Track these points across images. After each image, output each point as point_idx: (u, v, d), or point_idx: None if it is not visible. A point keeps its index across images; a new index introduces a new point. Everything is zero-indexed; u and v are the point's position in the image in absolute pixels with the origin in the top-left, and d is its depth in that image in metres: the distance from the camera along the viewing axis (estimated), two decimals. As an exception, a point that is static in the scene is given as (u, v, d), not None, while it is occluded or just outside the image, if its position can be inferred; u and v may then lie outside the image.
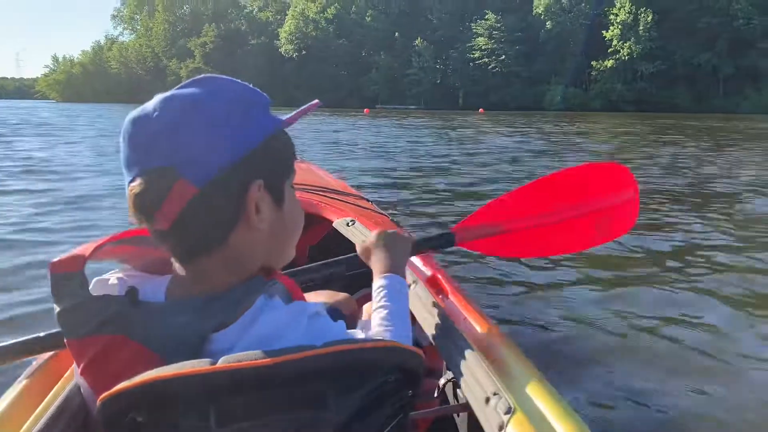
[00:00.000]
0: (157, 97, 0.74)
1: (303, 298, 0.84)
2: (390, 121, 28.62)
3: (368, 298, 1.32)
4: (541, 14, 62.53)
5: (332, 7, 73.23)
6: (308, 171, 3.20)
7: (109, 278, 0.82)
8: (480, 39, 64.98)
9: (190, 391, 0.63)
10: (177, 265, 0.78)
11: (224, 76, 0.78)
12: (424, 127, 22.72)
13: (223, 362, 0.63)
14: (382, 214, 2.46)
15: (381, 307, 1.09)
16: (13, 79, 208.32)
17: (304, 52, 71.56)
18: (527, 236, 1.39)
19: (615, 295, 3.16)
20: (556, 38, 62.10)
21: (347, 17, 73.09)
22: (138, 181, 0.71)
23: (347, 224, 2.07)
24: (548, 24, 62.04)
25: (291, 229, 0.84)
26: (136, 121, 0.72)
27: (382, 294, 1.12)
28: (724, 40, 55.42)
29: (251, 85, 0.80)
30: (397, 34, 70.90)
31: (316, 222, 2.28)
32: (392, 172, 8.91)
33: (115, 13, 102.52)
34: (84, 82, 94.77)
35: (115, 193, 6.17)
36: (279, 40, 74.69)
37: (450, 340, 1.15)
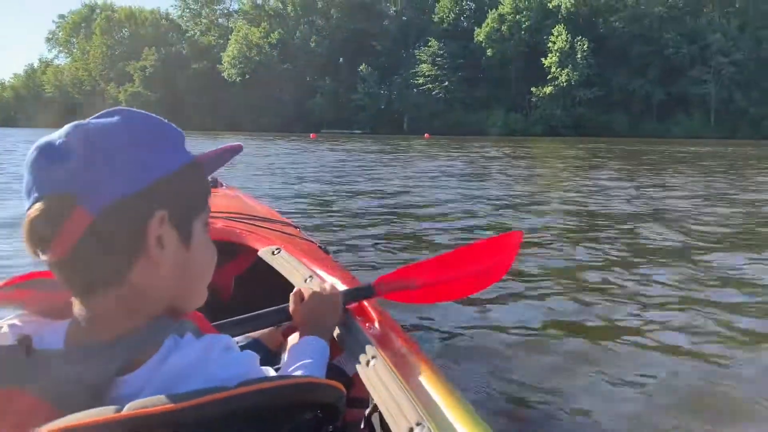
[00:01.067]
0: (67, 126, 0.72)
1: (214, 331, 0.82)
2: (334, 145, 28.76)
3: (293, 330, 1.40)
4: (482, 41, 63.89)
5: (276, 32, 72.96)
6: (234, 198, 3.11)
7: (2, 326, 0.77)
8: (423, 65, 65.88)
9: None
10: (77, 307, 0.74)
11: (141, 111, 0.77)
12: (368, 152, 22.86)
13: (128, 409, 0.60)
14: (308, 240, 2.42)
15: (298, 359, 1.13)
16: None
17: (248, 77, 70.82)
18: (431, 289, 1.54)
19: (539, 317, 3.36)
20: (496, 65, 63.59)
21: (291, 42, 72.93)
22: (35, 207, 0.68)
23: (273, 252, 2.03)
24: (489, 51, 63.43)
25: (200, 270, 0.81)
26: (40, 148, 0.71)
27: (294, 354, 1.15)
28: (655, 68, 57.97)
29: (167, 121, 0.78)
30: (341, 59, 71.18)
31: (240, 251, 2.11)
32: (329, 197, 8.92)
33: (50, 36, 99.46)
34: (16, 105, 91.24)
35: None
36: (222, 64, 73.77)
37: (373, 368, 1.15)
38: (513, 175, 13.37)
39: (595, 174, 13.36)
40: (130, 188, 0.70)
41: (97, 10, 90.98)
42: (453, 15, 67.34)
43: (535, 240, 5.51)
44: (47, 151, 0.70)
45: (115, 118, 0.73)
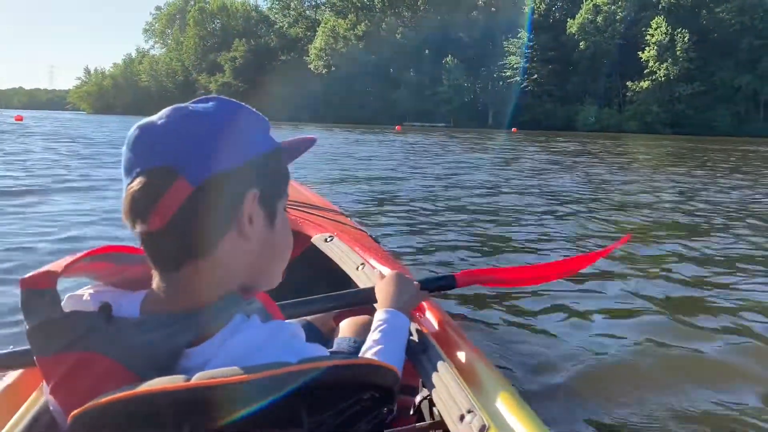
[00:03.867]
0: (168, 108, 0.77)
1: (281, 317, 0.85)
2: (417, 138, 28.24)
3: (345, 315, 1.52)
4: (574, 33, 61.50)
5: (362, 24, 73.07)
6: (289, 186, 2.82)
7: (83, 294, 0.81)
8: (512, 57, 64.17)
9: (163, 408, 0.62)
10: (155, 279, 0.77)
11: (233, 99, 0.81)
12: (451, 146, 22.09)
13: (196, 379, 0.62)
14: (360, 229, 2.46)
15: (375, 341, 1.17)
16: (45, 90, 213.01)
17: (333, 68, 71.37)
18: (514, 283, 1.66)
19: (597, 321, 3.15)
20: (589, 58, 60.98)
21: (377, 34, 72.85)
22: (137, 181, 0.72)
23: (326, 240, 2.11)
24: (582, 43, 60.99)
25: (280, 250, 0.85)
26: (141, 127, 0.75)
27: (381, 327, 1.20)
28: (766, 63, 53.83)
29: (255, 110, 0.83)
30: (427, 51, 70.42)
31: (294, 238, 1.83)
32: (396, 190, 8.62)
33: (147, 27, 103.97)
34: (114, 94, 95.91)
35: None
36: (309, 56, 74.63)
37: (426, 356, 1.18)
38: (608, 173, 12.27)
39: (699, 175, 12.11)
40: (228, 164, 0.73)
41: (191, 2, 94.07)
42: (544, 6, 65.10)
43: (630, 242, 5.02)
44: (149, 129, 0.74)
45: (211, 103, 0.78)
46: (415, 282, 1.42)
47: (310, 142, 0.88)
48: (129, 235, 0.76)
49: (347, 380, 0.69)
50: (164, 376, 0.64)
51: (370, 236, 2.38)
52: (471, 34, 69.30)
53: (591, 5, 60.93)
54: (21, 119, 37.87)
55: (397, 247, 4.67)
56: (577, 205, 7.44)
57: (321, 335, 1.35)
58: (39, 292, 0.74)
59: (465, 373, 1.10)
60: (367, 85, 70.48)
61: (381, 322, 1.21)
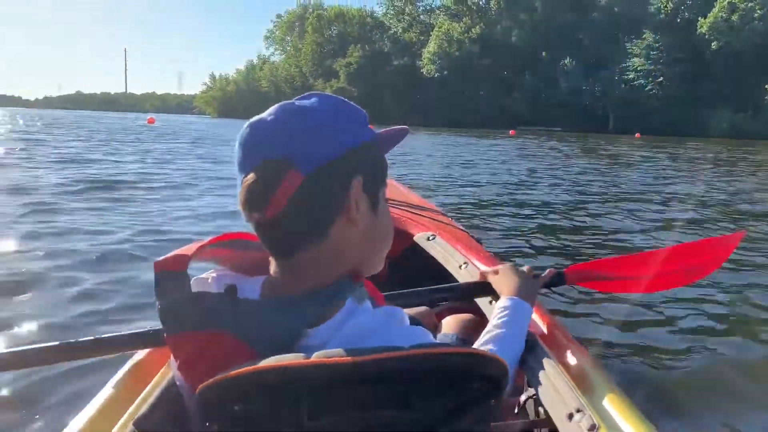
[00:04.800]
0: (274, 105, 0.83)
1: (383, 299, 0.89)
2: (533, 143, 27.53)
3: (449, 312, 1.55)
4: (705, 33, 57.37)
5: (477, 27, 72.28)
6: (390, 186, 3.17)
7: (207, 277, 0.88)
8: (636, 59, 60.97)
9: (285, 384, 0.65)
10: (272, 265, 0.83)
11: (331, 94, 0.86)
12: (568, 151, 21.24)
13: (316, 356, 0.65)
14: (461, 229, 2.43)
15: (497, 326, 1.18)
16: (174, 95, 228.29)
17: (446, 72, 71.07)
18: (627, 282, 1.54)
19: (711, 330, 3.02)
20: (722, 59, 56.61)
21: (492, 37, 71.79)
22: (252, 175, 0.77)
23: (428, 239, 2.13)
24: (714, 44, 56.77)
25: (383, 236, 0.88)
26: (252, 126, 0.80)
27: (504, 314, 1.21)
28: None
29: (353, 103, 0.86)
30: (544, 53, 68.49)
31: (396, 235, 1.76)
32: (508, 193, 8.44)
33: (268, 35, 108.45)
34: (237, 99, 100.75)
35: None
36: (421, 60, 74.80)
37: (532, 354, 1.18)
38: (746, 183, 11.23)
39: None
40: (334, 153, 0.78)
41: (310, 10, 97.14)
42: (672, 5, 61.30)
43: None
44: (259, 126, 0.80)
45: (314, 99, 0.83)
46: (526, 269, 1.41)
47: (404, 132, 0.91)
48: (241, 225, 0.81)
49: (457, 368, 0.70)
50: (285, 354, 0.67)
51: (472, 236, 2.35)
52: (591, 36, 66.56)
53: (726, 3, 56.52)
54: (153, 122, 40.91)
55: (499, 249, 4.61)
56: (701, 214, 6.88)
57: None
58: (171, 274, 0.80)
59: (572, 372, 1.09)
60: (480, 89, 69.55)
61: (503, 309, 1.22)
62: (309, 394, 0.64)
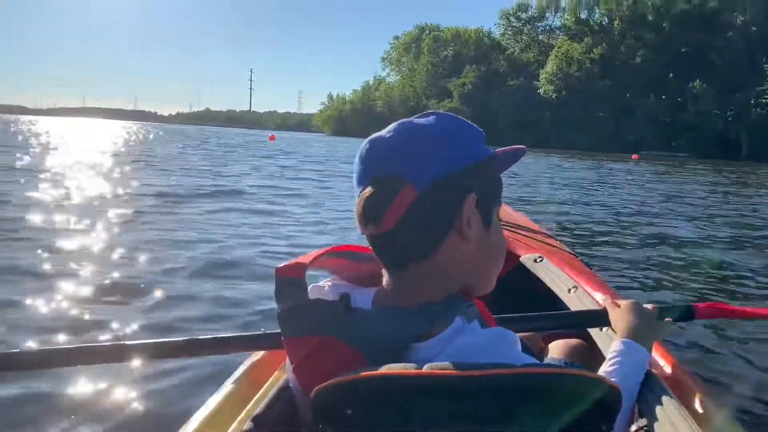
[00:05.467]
0: (393, 123, 0.85)
1: (493, 321, 0.90)
2: (657, 169, 25.93)
3: (556, 336, 1.53)
4: None
5: (599, 48, 69.95)
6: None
7: (324, 285, 0.91)
8: (776, 82, 56.34)
9: (397, 392, 0.66)
10: (385, 277, 0.85)
11: (449, 113, 0.87)
12: (698, 178, 20.10)
13: (427, 368, 0.65)
14: (570, 253, 2.36)
15: (608, 374, 1.10)
16: (294, 113, 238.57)
17: (564, 93, 69.22)
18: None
19: None
20: None
21: (614, 57, 69.16)
22: (368, 189, 0.79)
23: (535, 260, 2.09)
24: None
25: (495, 255, 0.88)
26: (371, 141, 0.83)
27: (617, 360, 1.14)
28: None
29: (470, 122, 0.87)
30: (670, 75, 64.98)
31: None
32: (621, 220, 8.06)
33: (385, 56, 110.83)
34: (352, 118, 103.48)
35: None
36: (539, 80, 73.40)
37: (646, 385, 1.13)
38: None
39: None
40: (450, 169, 0.79)
41: (426, 31, 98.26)
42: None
43: None
44: (378, 142, 0.82)
45: (431, 117, 0.85)
46: (650, 305, 1.31)
47: (521, 152, 0.90)
48: (355, 238, 0.87)
49: (568, 390, 0.69)
50: (396, 363, 0.68)
51: (581, 260, 2.28)
52: (725, 57, 62.31)
53: None
54: (273, 139, 43.09)
55: (610, 277, 4.38)
56: None
57: (531, 353, 1.25)
58: (290, 280, 0.83)
59: (687, 403, 1.04)
60: (599, 111, 67.00)
61: (616, 354, 1.15)
62: (419, 403, 0.65)
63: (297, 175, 13.47)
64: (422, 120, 0.84)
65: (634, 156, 41.11)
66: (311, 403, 0.71)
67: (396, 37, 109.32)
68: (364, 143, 0.83)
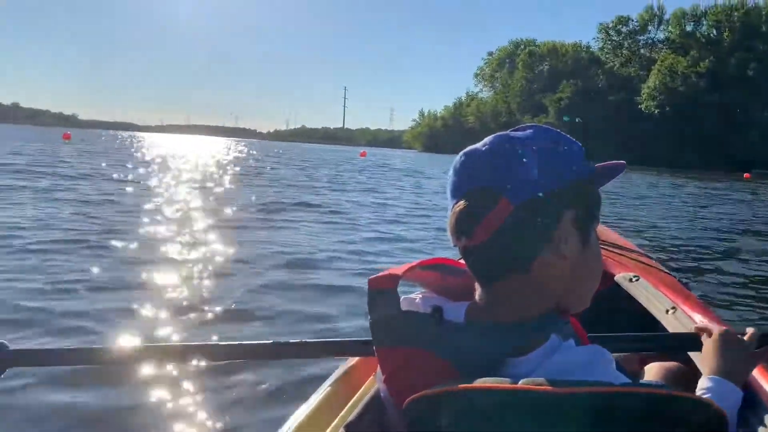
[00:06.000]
0: (490, 136, 0.83)
1: (587, 339, 0.88)
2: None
3: (652, 359, 1.50)
4: None
5: (706, 61, 66.43)
6: None
7: (415, 298, 0.91)
8: None
9: (493, 405, 0.65)
10: (477, 291, 0.83)
11: (549, 127, 0.85)
12: None
13: (524, 383, 0.64)
14: (668, 273, 2.30)
15: None
16: (385, 130, 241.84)
17: (667, 109, 66.11)
18: None
19: None
20: None
21: (724, 70, 65.40)
22: (462, 202, 0.78)
23: (630, 279, 2.05)
24: None
25: (591, 274, 0.85)
26: (467, 154, 0.82)
27: (704, 396, 1.08)
28: None
29: (568, 135, 0.85)
30: (788, 88, 60.64)
31: None
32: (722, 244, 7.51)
33: (478, 72, 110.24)
34: (444, 134, 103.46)
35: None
36: (640, 96, 70.53)
37: (750, 408, 1.09)
38: None
39: None
40: (549, 186, 0.77)
41: (522, 46, 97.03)
42: None
43: None
44: (473, 155, 0.81)
45: (529, 131, 0.82)
46: (749, 331, 1.19)
47: (621, 168, 0.87)
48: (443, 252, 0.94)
49: (669, 413, 0.66)
50: (489, 377, 0.67)
51: (679, 280, 2.20)
52: None
53: None
54: (365, 155, 43.97)
55: (712, 299, 4.21)
56: None
57: (625, 374, 1.21)
58: (382, 291, 0.84)
59: None
60: (706, 127, 63.44)
61: (704, 392, 1.07)
62: (514, 418, 0.64)
63: (386, 189, 13.61)
64: (519, 133, 0.82)
65: (746, 175, 38.51)
66: (404, 413, 0.71)
67: (490, 53, 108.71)
68: (459, 155, 0.82)
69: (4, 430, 2.07)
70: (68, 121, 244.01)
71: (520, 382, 0.65)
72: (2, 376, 1.60)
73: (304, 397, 1.13)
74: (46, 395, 2.30)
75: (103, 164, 17.29)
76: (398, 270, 0.87)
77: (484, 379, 0.67)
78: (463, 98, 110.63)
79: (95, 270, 4.30)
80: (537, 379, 0.65)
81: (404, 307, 0.85)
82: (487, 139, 0.82)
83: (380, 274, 0.86)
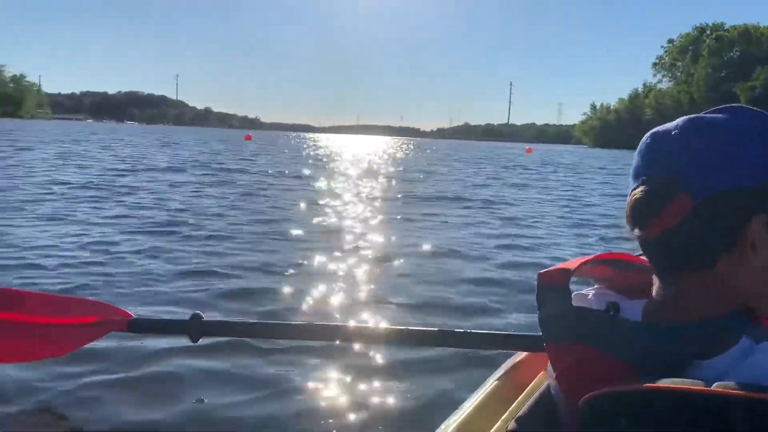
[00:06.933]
0: (683, 117, 0.76)
1: None
2: None
3: None
4: None
5: None
6: None
7: (588, 293, 0.87)
8: None
9: (682, 408, 0.62)
10: (657, 287, 0.78)
11: (758, 109, 0.74)
12: None
13: (717, 386, 0.60)
14: None
15: None
16: (553, 125, 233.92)
17: None
18: None
19: None
20: None
21: None
22: (640, 189, 0.73)
23: None
24: None
25: None
26: (654, 135, 0.76)
27: None
28: None
29: None
30: None
31: None
32: None
33: (657, 61, 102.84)
34: (616, 128, 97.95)
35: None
36: None
37: None
38: None
39: None
40: (735, 183, 0.69)
41: (707, 32, 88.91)
42: None
43: None
44: (660, 138, 0.75)
45: (727, 113, 0.74)
46: None
47: None
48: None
49: None
50: (675, 378, 0.64)
51: None
52: None
53: None
54: (530, 151, 43.17)
55: None
56: None
57: None
58: (553, 286, 0.81)
59: None
60: None
61: None
62: (707, 422, 0.61)
63: (549, 186, 13.30)
64: (717, 116, 0.73)
65: None
66: (580, 411, 0.68)
67: (670, 41, 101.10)
68: (645, 136, 0.77)
69: (194, 390, 2.27)
70: (252, 123, 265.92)
71: (713, 386, 0.60)
72: (199, 342, 1.87)
73: (469, 388, 1.15)
74: (232, 362, 2.51)
75: (275, 160, 19.15)
76: (571, 264, 0.84)
77: (672, 380, 0.63)
78: (639, 90, 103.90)
79: (270, 252, 4.74)
80: (731, 383, 0.60)
81: (576, 303, 0.81)
82: (678, 122, 0.74)
83: (551, 268, 0.84)
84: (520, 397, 1.05)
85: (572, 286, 0.80)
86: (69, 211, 6.51)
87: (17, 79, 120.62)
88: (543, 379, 1.06)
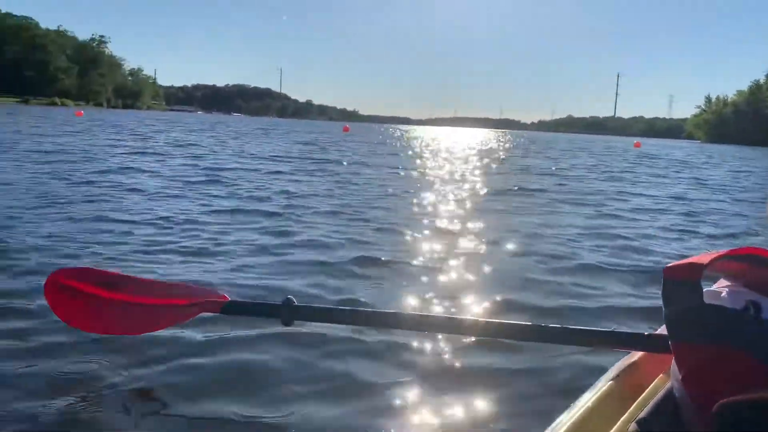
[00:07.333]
0: None
1: None
2: None
3: None
4: None
5: None
6: None
7: (721, 291, 0.82)
8: None
9: None
10: None
11: None
12: None
13: None
14: None
15: None
16: (663, 119, 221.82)
17: None
18: None
19: None
20: None
21: None
22: None
23: None
24: None
25: None
26: None
27: None
28: None
29: None
30: None
31: None
32: None
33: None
34: (733, 122, 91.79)
35: None
36: None
37: None
38: None
39: None
40: None
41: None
42: None
43: None
44: None
45: None
46: None
47: None
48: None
49: None
50: None
51: None
52: None
53: None
54: (639, 145, 41.57)
55: None
56: None
57: None
58: (682, 282, 0.75)
59: None
60: None
61: None
62: None
63: (660, 184, 12.76)
64: None
65: None
66: (713, 416, 0.64)
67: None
68: None
69: (278, 379, 2.20)
70: (351, 115, 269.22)
71: None
72: (291, 326, 1.84)
73: (580, 387, 1.13)
74: (321, 348, 2.45)
75: (369, 151, 19.58)
76: (702, 259, 0.78)
77: None
78: (761, 81, 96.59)
79: (367, 244, 4.66)
80: None
81: (707, 300, 0.76)
82: None
83: (679, 262, 0.79)
84: (638, 399, 1.01)
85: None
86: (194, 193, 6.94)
87: (135, 73, 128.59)
88: (663, 381, 1.03)
